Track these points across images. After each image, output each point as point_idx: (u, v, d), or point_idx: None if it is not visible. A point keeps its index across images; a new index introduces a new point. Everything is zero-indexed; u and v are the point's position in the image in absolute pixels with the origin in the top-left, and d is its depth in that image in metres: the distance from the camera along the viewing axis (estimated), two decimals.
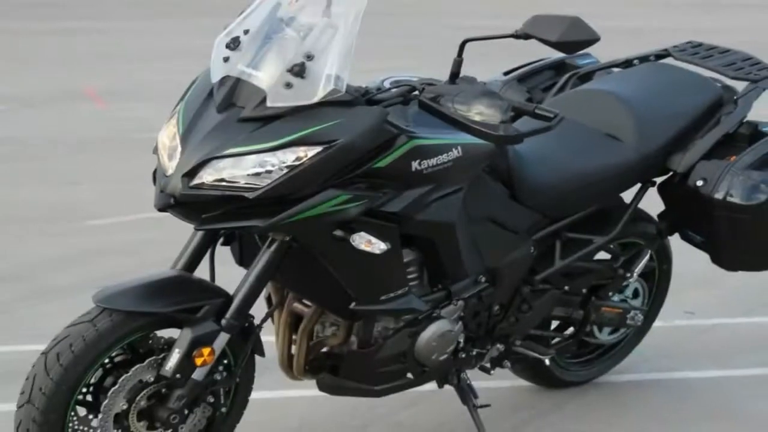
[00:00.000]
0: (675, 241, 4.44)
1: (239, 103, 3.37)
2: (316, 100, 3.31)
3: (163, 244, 4.75)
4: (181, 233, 3.65)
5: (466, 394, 3.94)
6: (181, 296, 3.43)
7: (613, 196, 4.22)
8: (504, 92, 4.19)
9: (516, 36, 3.59)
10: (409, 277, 3.64)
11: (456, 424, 4.09)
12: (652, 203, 4.31)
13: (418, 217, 3.52)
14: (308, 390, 3.90)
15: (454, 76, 3.60)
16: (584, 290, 4.24)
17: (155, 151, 3.47)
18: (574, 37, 3.53)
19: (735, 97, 4.30)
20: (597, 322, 4.32)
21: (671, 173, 4.21)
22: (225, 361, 3.51)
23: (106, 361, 3.39)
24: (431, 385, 3.94)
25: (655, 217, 4.38)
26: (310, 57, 3.32)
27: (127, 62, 12.62)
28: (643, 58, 4.51)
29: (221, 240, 3.65)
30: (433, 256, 3.68)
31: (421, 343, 3.72)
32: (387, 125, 3.39)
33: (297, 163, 3.28)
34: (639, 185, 4.26)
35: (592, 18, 3.65)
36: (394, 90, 3.50)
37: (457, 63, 3.60)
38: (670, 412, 4.31)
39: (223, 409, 3.60)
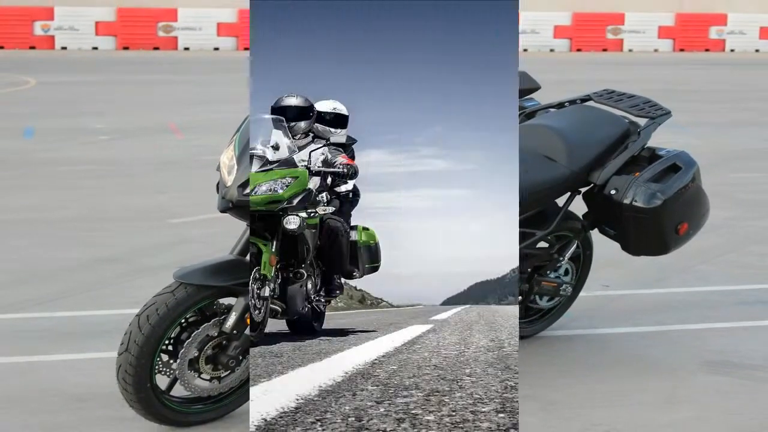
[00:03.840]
0: (595, 234, 4.41)
1: None
2: None
3: (223, 236, 4.72)
4: (236, 228, 3.63)
5: None
6: (237, 274, 3.42)
7: (550, 201, 4.20)
8: None
9: None
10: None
11: None
12: (578, 206, 4.29)
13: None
14: None
15: None
16: (529, 269, 4.22)
17: (218, 168, 3.46)
18: (522, 86, 3.52)
19: (638, 130, 4.28)
20: (538, 292, 4.30)
21: (592, 185, 4.19)
22: None
23: (183, 321, 3.38)
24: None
25: (581, 216, 4.36)
26: None
27: (197, 105, 12.60)
28: (572, 101, 4.49)
29: None
30: None
31: None
32: None
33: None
34: (569, 193, 4.24)
35: (534, 72, 3.63)
36: None
37: None
38: (591, 358, 4.28)
39: None
